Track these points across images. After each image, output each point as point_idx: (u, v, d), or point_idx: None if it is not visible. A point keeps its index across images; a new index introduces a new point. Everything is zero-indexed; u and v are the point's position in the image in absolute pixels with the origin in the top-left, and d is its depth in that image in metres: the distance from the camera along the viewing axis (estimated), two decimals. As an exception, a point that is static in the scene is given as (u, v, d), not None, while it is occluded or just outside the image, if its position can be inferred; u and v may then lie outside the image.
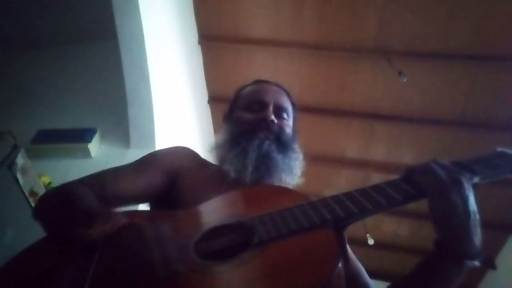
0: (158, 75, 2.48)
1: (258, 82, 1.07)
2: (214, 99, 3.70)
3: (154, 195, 0.90)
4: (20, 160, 1.65)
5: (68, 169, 2.27)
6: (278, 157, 0.90)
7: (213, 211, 0.77)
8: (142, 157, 0.96)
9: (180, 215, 0.77)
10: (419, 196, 0.66)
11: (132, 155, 2.47)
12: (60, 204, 0.77)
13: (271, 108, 0.95)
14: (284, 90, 1.05)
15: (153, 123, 2.46)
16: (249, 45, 3.30)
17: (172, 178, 0.90)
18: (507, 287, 3.84)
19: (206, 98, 3.72)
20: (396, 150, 3.64)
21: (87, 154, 2.39)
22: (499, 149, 0.71)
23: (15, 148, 1.67)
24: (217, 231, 0.69)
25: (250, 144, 0.89)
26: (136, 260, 0.59)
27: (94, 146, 2.44)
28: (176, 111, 2.99)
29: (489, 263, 3.97)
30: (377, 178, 3.78)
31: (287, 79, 1.09)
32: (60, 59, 3.14)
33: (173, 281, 0.58)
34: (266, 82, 1.06)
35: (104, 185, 0.85)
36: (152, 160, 0.94)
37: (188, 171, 0.92)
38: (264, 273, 0.59)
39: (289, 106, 1.01)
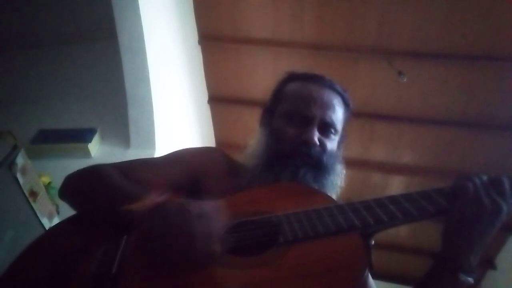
0: (158, 75, 2.48)
1: (308, 78, 0.92)
2: (214, 99, 3.70)
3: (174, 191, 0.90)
4: (20, 160, 1.65)
5: (68, 169, 2.23)
6: (314, 186, 0.83)
7: (240, 205, 0.75)
8: (172, 153, 0.94)
9: None
10: (451, 212, 0.67)
11: (132, 155, 2.48)
12: (97, 183, 0.78)
13: (315, 126, 0.84)
14: (337, 91, 0.91)
15: (153, 123, 2.46)
16: (249, 45, 3.30)
17: (194, 181, 0.87)
18: (507, 287, 3.83)
19: (206, 98, 3.72)
20: (396, 150, 3.63)
21: (87, 154, 2.38)
22: None
23: (15, 148, 1.66)
24: (241, 226, 0.68)
25: (283, 171, 0.82)
26: (179, 233, 0.59)
27: (94, 146, 2.43)
28: (176, 111, 2.99)
29: (489, 263, 3.96)
30: (377, 178, 3.78)
31: (287, 79, 1.07)
32: (60, 59, 3.14)
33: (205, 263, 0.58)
34: (317, 80, 0.91)
35: (131, 172, 0.84)
36: (179, 159, 0.92)
37: (212, 177, 0.87)
38: (289, 274, 0.58)
39: (339, 117, 0.89)
